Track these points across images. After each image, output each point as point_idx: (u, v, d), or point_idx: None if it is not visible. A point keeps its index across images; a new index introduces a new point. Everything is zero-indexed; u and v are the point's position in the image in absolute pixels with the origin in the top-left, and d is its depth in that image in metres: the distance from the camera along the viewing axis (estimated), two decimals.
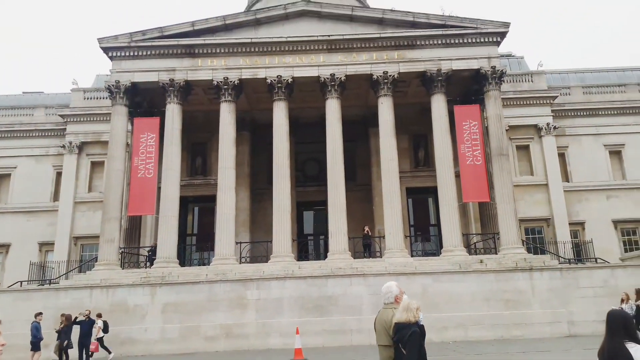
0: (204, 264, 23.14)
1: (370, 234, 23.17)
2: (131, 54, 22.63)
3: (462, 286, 19.06)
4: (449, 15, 23.27)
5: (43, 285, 22.39)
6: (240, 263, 21.41)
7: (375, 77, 22.30)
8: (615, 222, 28.55)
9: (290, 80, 22.32)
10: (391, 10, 23.11)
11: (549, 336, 18.24)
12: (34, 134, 30.52)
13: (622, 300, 16.37)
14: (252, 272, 19.80)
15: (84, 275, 20.86)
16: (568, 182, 29.08)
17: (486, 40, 22.69)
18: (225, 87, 22.30)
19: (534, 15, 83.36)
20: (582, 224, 28.47)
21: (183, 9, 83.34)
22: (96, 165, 29.20)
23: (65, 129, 29.60)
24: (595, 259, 23.74)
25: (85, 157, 29.35)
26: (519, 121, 28.59)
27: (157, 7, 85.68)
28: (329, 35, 22.46)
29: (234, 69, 22.50)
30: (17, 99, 33.56)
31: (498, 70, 22.40)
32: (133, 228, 23.64)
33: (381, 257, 21.22)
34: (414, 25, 22.78)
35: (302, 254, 24.57)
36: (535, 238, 27.25)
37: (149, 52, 22.64)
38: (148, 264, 22.34)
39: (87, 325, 16.41)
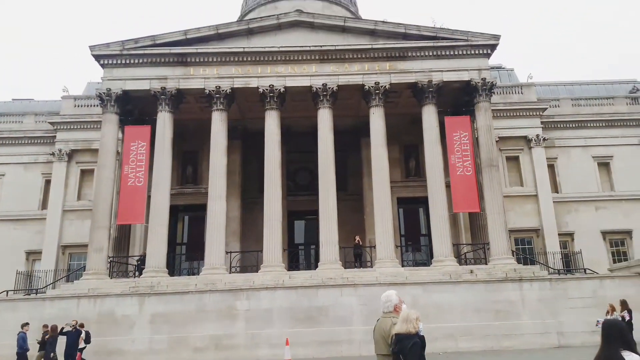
0: (193, 274, 22.99)
1: (361, 243, 23.16)
2: (123, 61, 22.58)
3: (452, 297, 19.07)
4: (440, 28, 23.54)
5: (29, 294, 22.08)
6: (230, 273, 21.28)
7: (367, 87, 22.42)
8: (604, 233, 28.80)
9: (282, 89, 22.37)
10: (383, 21, 23.30)
11: (539, 347, 18.26)
12: (23, 142, 30.23)
13: (608, 312, 16.49)
14: (242, 282, 19.67)
15: (71, 285, 20.60)
16: (557, 193, 29.31)
17: (476, 52, 22.92)
18: (217, 95, 22.29)
19: (524, 28, 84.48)
20: (571, 234, 28.67)
21: (175, 19, 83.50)
22: (86, 173, 28.97)
23: (55, 136, 29.37)
24: (584, 269, 23.88)
25: (74, 165, 29.11)
26: (509, 132, 28.84)
27: (149, 16, 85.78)
28: (321, 46, 22.57)
29: (226, 78, 22.51)
30: (6, 106, 33.30)
31: (488, 82, 22.61)
32: (122, 237, 23.45)
33: (372, 267, 21.19)
34: (405, 36, 22.98)
35: (293, 263, 24.48)
36: (525, 248, 27.40)
37: (141, 60, 22.61)
38: (137, 273, 22.13)
39: (73, 336, 16.12)
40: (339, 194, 22.03)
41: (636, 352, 3.89)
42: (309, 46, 22.59)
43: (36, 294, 21.86)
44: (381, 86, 22.35)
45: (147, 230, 21.74)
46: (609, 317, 15.91)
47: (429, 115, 22.50)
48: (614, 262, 27.31)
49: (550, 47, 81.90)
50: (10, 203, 29.14)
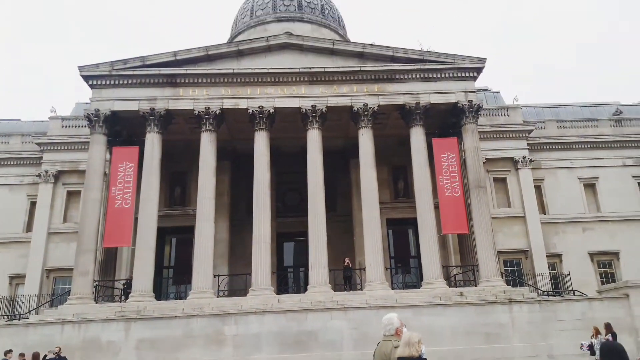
0: (180, 298, 22.61)
1: (350, 265, 23.02)
2: (112, 82, 22.53)
3: (442, 320, 18.93)
4: (427, 51, 23.86)
5: (12, 320, 21.54)
6: (218, 297, 20.97)
7: (355, 109, 22.57)
8: (592, 254, 28.96)
9: (272, 110, 22.43)
10: (371, 44, 23.59)
11: None
12: (9, 162, 29.80)
13: (593, 335, 16.49)
14: (230, 306, 19.39)
15: (55, 310, 20.16)
16: (545, 214, 29.51)
17: (463, 75, 23.26)
18: (207, 116, 22.28)
19: (509, 51, 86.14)
20: (559, 256, 28.80)
21: (164, 41, 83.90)
22: (72, 195, 28.59)
23: (41, 157, 29.05)
24: (573, 291, 23.94)
25: (61, 186, 28.74)
26: (495, 154, 29.13)
27: (138, 37, 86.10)
28: (310, 68, 22.76)
29: (216, 99, 22.55)
30: None
31: (475, 104, 22.89)
32: (108, 260, 23.08)
33: (362, 290, 21.04)
34: (393, 59, 23.26)
35: (282, 286, 24.21)
36: (514, 270, 27.42)
37: (130, 81, 22.58)
38: (123, 297, 21.72)
39: None
40: (328, 215, 21.96)
41: None
42: (298, 68, 22.77)
43: (19, 319, 21.33)
44: (370, 108, 22.52)
45: (134, 253, 21.42)
46: (593, 340, 15.91)
47: (417, 136, 22.68)
48: (602, 283, 27.41)
49: (535, 69, 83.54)
50: None
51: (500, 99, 33.97)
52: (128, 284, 21.70)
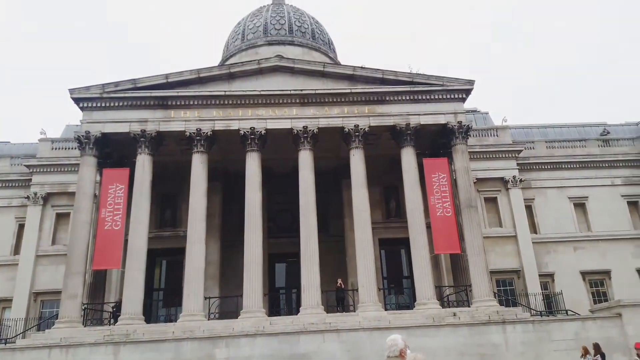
0: (171, 321, 22.26)
1: (343, 286, 22.86)
2: (103, 104, 22.54)
3: (436, 341, 18.77)
4: (416, 73, 24.19)
5: None
6: (209, 319, 20.67)
7: (346, 130, 22.73)
8: (584, 274, 29.04)
9: (263, 131, 22.52)
10: (361, 67, 23.88)
11: None
12: None
13: (582, 355, 16.44)
14: (222, 329, 19.11)
15: (42, 334, 19.74)
16: (536, 233, 29.65)
17: (452, 96, 23.58)
18: (198, 138, 22.32)
19: (497, 72, 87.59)
20: (551, 275, 28.84)
21: (156, 63, 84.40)
22: (62, 217, 28.34)
23: (30, 179, 28.85)
24: (566, 311, 23.90)
25: (50, 208, 28.50)
26: (486, 174, 29.36)
27: (128, 60, 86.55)
28: (301, 90, 22.96)
29: (207, 121, 22.62)
30: None
31: (464, 125, 23.15)
32: (98, 283, 22.75)
33: (355, 311, 20.86)
34: (383, 81, 23.55)
35: (274, 308, 23.93)
36: (507, 290, 27.39)
37: (121, 103, 22.62)
38: (112, 320, 21.37)
39: None
40: (320, 235, 21.89)
41: None
42: (290, 90, 22.96)
43: (5, 344, 20.87)
44: (360, 129, 22.69)
45: (124, 276, 21.14)
46: None
47: (408, 157, 22.84)
48: (595, 302, 27.42)
49: (523, 89, 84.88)
50: None
51: (489, 119, 34.40)
52: (117, 307, 21.36)
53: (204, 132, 22.32)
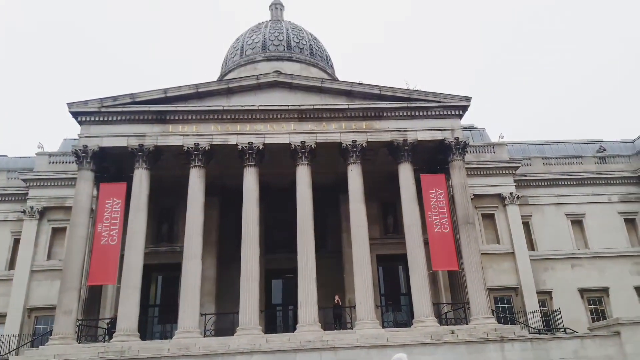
0: (166, 337, 22.00)
1: (340, 303, 22.69)
2: (101, 119, 22.56)
3: (434, 359, 18.61)
4: (413, 89, 24.33)
5: None
6: (204, 336, 20.46)
7: (344, 145, 22.79)
8: (582, 291, 28.92)
9: (261, 146, 22.55)
10: (359, 83, 24.03)
11: None
12: None
13: None
14: (217, 347, 18.91)
15: (36, 351, 19.49)
16: (534, 250, 29.58)
17: (449, 113, 23.71)
18: (196, 152, 22.32)
19: (494, 88, 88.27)
20: (549, 292, 28.69)
21: (152, 79, 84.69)
22: (58, 232, 28.15)
23: (27, 193, 28.71)
24: (565, 329, 23.74)
25: (46, 222, 28.31)
26: (483, 190, 29.38)
27: (125, 75, 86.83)
28: (299, 105, 23.06)
29: (205, 135, 22.65)
30: None
31: (461, 142, 23.23)
32: (93, 298, 22.54)
33: (352, 329, 20.69)
34: (380, 97, 23.68)
35: (270, 325, 23.74)
36: (505, 307, 27.21)
37: (119, 118, 22.64)
38: (107, 337, 21.10)
39: None
40: (318, 251, 21.79)
41: None
42: (288, 105, 23.05)
43: None
44: (358, 144, 22.75)
45: (119, 291, 20.95)
46: None
47: (405, 172, 22.87)
48: (593, 320, 27.25)
49: (519, 106, 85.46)
50: None
51: (486, 136, 34.54)
52: (112, 323, 21.12)
53: (201, 147, 22.33)
